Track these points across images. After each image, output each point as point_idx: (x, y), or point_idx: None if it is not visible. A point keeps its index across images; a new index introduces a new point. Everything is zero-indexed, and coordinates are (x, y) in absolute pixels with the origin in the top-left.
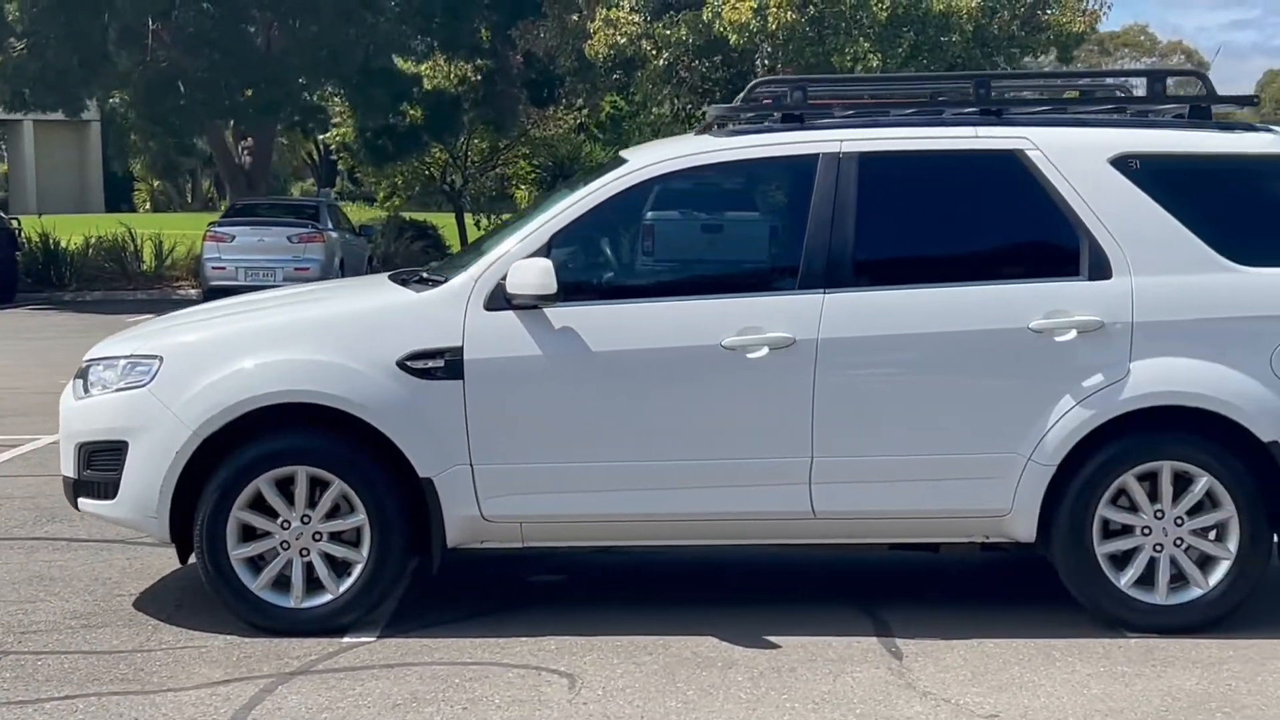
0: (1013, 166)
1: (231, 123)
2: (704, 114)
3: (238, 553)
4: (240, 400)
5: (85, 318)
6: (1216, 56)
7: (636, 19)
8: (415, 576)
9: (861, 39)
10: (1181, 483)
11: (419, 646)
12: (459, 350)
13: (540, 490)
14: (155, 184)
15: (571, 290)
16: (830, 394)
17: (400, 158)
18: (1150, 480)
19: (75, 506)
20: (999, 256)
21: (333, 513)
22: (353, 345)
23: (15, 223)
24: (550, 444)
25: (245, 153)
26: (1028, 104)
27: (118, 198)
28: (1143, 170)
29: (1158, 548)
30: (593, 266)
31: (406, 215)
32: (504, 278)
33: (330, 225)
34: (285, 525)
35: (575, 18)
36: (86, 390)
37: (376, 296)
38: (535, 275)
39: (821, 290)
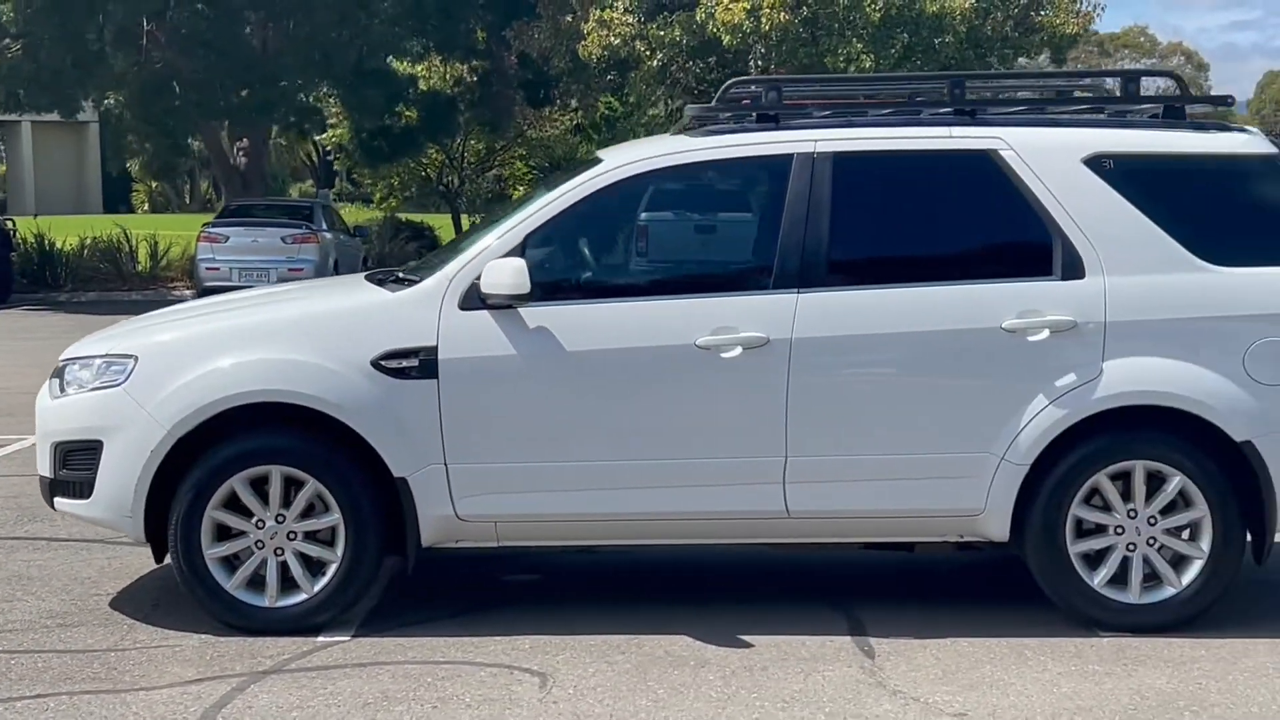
0: (986, 166)
1: (226, 124)
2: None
3: (212, 552)
4: (214, 400)
5: (80, 318)
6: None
7: (630, 20)
8: (395, 576)
9: (855, 40)
10: (1154, 482)
11: (393, 646)
12: (433, 350)
13: (515, 490)
14: (154, 185)
15: (546, 290)
16: (804, 394)
17: (396, 159)
18: (1123, 480)
19: (51, 505)
20: (973, 256)
21: (307, 512)
22: (328, 345)
23: (10, 223)
24: (525, 443)
25: (240, 153)
26: (1003, 104)
27: (116, 199)
28: (1116, 170)
29: (1131, 547)
30: (567, 266)
31: (403, 216)
32: (478, 277)
33: (324, 226)
34: (260, 525)
35: (569, 18)
36: (62, 390)
37: (352, 296)
38: (509, 275)
39: (796, 290)
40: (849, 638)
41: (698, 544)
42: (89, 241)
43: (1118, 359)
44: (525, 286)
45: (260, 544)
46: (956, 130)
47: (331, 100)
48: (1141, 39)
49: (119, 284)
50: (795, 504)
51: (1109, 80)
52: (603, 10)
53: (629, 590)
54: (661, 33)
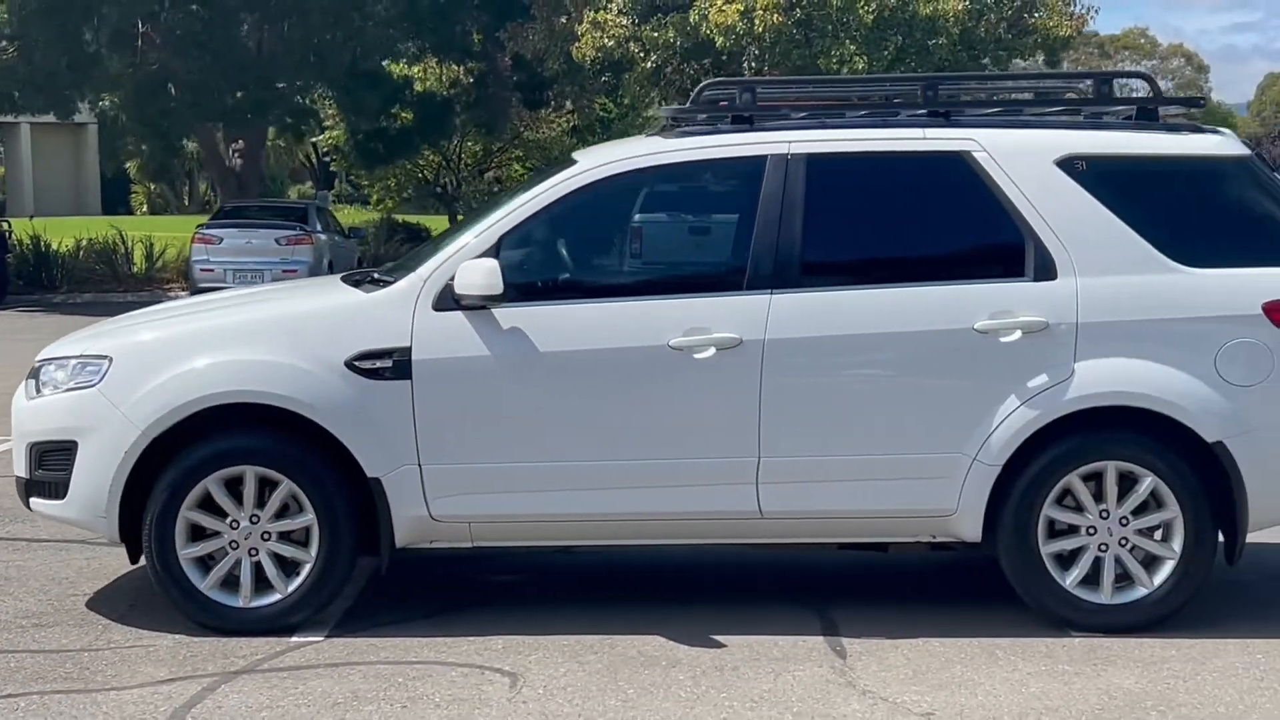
0: (959, 168)
1: (221, 125)
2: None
3: (186, 552)
4: (188, 400)
5: (76, 320)
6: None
7: (624, 21)
8: (371, 577)
9: (848, 41)
10: (1126, 483)
11: (365, 646)
12: (407, 350)
13: (488, 490)
14: (152, 187)
15: (519, 290)
16: (777, 394)
17: (392, 160)
18: (1095, 480)
19: (27, 506)
20: (945, 257)
21: (281, 512)
22: (302, 346)
23: (6, 225)
24: (498, 444)
25: (236, 155)
26: (979, 105)
27: (115, 200)
28: (1089, 171)
29: (1103, 547)
30: (540, 267)
31: (400, 218)
32: (452, 278)
33: (319, 227)
34: (234, 525)
35: (564, 20)
36: (38, 390)
37: (327, 297)
38: (482, 276)
39: (768, 291)
40: (821, 638)
41: (675, 544)
42: (84, 243)
43: (1089, 360)
44: (498, 287)
45: (234, 544)
46: (930, 132)
47: (327, 102)
48: (1142, 40)
49: (114, 285)
50: (768, 504)
51: (1083, 82)
52: (597, 12)
53: (605, 590)
54: (655, 34)
